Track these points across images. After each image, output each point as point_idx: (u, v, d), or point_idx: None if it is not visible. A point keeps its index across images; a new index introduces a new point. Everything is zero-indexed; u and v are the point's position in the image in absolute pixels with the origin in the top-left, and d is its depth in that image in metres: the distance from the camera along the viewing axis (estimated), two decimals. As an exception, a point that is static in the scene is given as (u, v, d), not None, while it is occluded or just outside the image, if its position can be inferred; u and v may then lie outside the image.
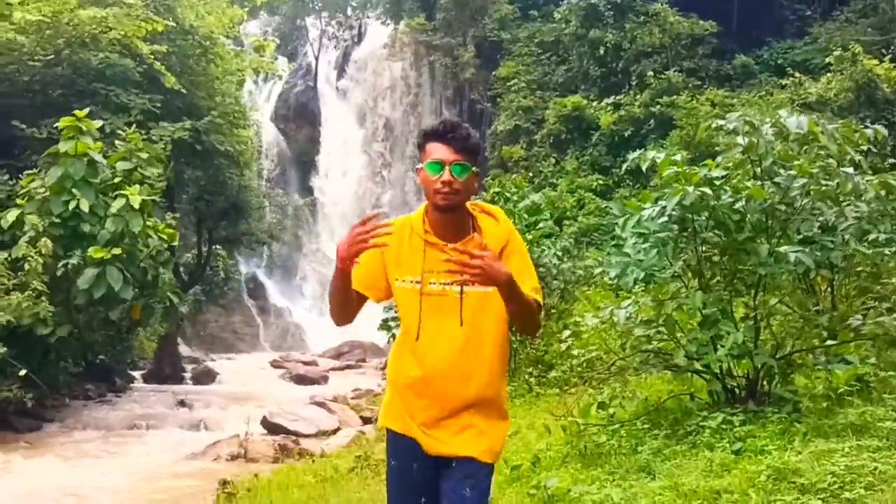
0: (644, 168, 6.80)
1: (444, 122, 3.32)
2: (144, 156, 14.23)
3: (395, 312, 13.45)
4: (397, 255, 3.31)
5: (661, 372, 7.20)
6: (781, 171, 6.60)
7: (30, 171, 13.90)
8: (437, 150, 3.21)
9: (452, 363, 3.26)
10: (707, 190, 6.19)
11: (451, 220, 3.27)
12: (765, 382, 6.52)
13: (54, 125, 14.82)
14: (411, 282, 3.27)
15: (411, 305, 3.29)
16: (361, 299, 3.32)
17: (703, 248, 6.60)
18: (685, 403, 6.80)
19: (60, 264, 13.07)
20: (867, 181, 6.52)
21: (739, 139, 6.46)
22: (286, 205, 32.67)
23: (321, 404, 15.47)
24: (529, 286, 3.24)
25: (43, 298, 12.79)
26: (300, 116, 40.20)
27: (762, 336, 6.59)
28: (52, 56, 16.74)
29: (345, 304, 3.29)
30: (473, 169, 3.25)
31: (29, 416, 14.76)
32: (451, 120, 3.36)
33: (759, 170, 6.53)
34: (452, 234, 3.27)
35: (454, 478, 3.31)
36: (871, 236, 6.79)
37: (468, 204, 3.31)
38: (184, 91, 18.90)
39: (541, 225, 13.32)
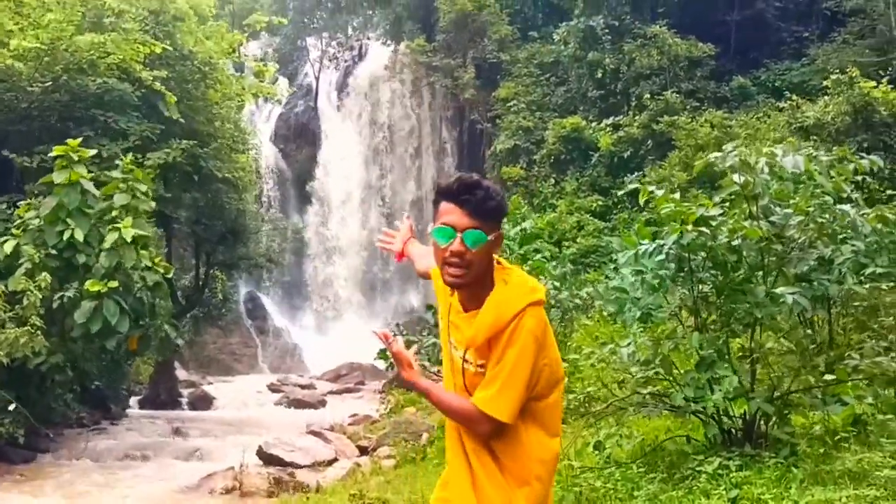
0: (641, 202, 6.73)
1: (460, 178, 2.80)
2: (143, 187, 14.11)
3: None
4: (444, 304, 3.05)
5: (658, 414, 7.12)
6: (778, 209, 6.56)
7: (25, 202, 13.82)
8: (449, 213, 2.75)
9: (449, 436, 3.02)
10: (704, 230, 6.13)
11: (467, 291, 2.86)
12: (762, 423, 6.44)
13: (48, 153, 14.79)
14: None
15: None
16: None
17: (700, 288, 6.53)
18: (681, 445, 6.71)
19: (56, 297, 13.00)
20: (863, 215, 6.48)
21: (735, 177, 6.41)
22: (285, 228, 32.54)
23: (318, 434, 15.36)
24: (488, 391, 2.75)
25: (38, 332, 12.69)
26: (300, 136, 40.22)
27: (759, 374, 6.51)
28: (49, 83, 16.69)
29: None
30: (489, 237, 2.75)
31: (23, 448, 14.66)
32: (467, 177, 2.81)
33: (755, 208, 6.47)
34: (471, 304, 2.86)
35: None
36: (869, 270, 6.74)
37: (497, 267, 2.86)
38: (182, 118, 18.83)
39: (536, 248, 13.19)
